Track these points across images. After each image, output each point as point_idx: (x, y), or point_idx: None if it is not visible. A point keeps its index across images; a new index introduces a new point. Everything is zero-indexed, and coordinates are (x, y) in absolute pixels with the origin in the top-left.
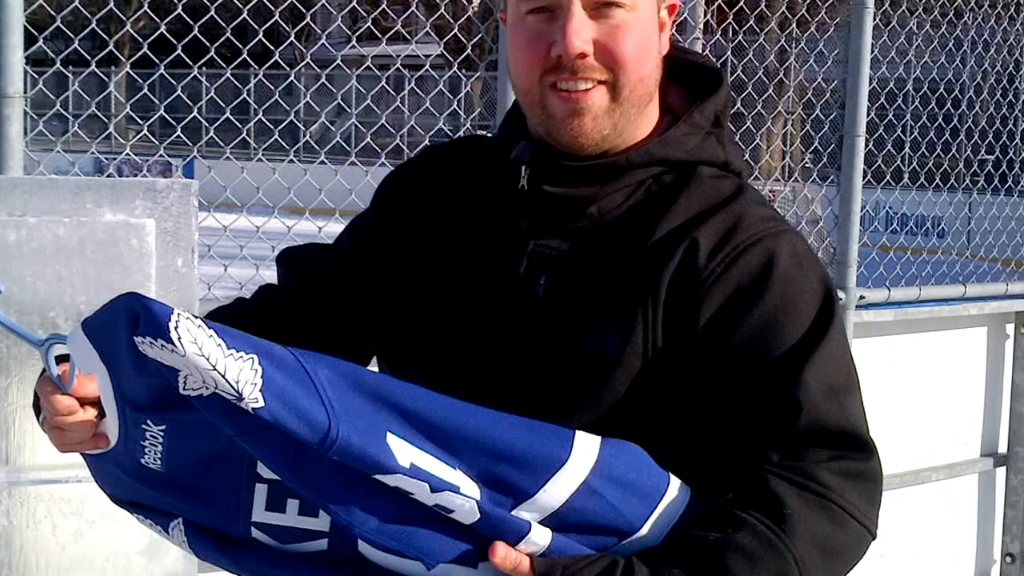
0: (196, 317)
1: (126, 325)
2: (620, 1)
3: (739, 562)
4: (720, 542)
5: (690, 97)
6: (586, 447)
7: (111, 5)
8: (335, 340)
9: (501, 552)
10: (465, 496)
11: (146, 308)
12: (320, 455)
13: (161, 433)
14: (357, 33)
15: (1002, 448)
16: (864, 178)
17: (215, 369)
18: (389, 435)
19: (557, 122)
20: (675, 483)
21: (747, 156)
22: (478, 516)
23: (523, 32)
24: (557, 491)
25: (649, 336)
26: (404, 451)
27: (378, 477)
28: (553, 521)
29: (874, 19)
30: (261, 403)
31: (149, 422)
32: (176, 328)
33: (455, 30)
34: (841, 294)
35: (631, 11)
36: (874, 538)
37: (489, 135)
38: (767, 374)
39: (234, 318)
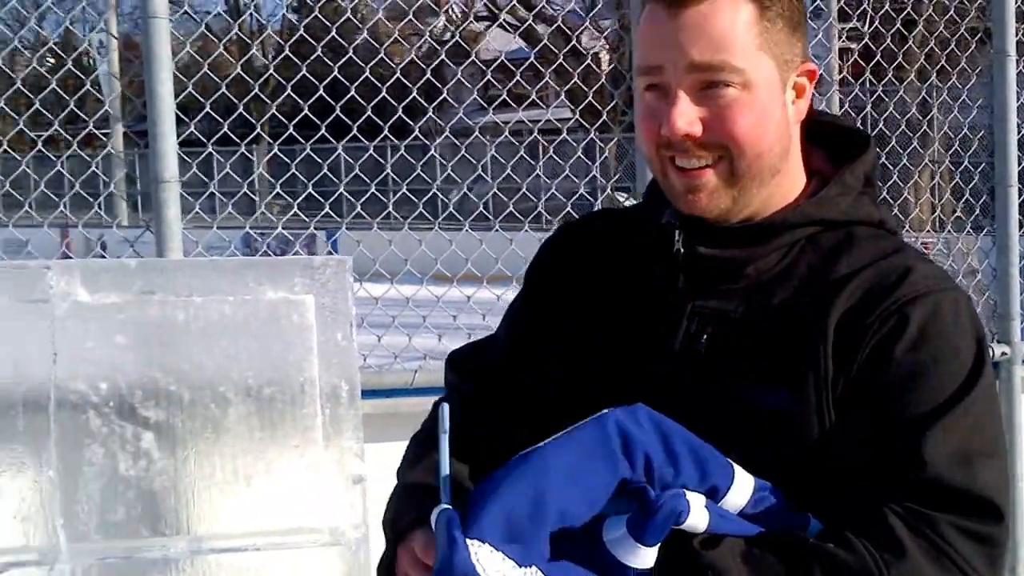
0: (484, 542)
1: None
2: (729, 80)
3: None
4: (819, 550)
5: (833, 160)
6: (743, 483)
7: (255, 89)
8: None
9: None
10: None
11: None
12: None
13: None
14: (493, 105)
15: None
16: (1020, 228)
17: None
18: None
19: (676, 195)
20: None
21: (896, 210)
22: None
23: (642, 106)
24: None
25: (820, 389)
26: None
27: None
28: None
29: (1017, 67)
30: None
31: None
32: (479, 561)
33: (589, 97)
34: (1006, 349)
35: (743, 89)
36: None
37: (626, 203)
38: (904, 428)
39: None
